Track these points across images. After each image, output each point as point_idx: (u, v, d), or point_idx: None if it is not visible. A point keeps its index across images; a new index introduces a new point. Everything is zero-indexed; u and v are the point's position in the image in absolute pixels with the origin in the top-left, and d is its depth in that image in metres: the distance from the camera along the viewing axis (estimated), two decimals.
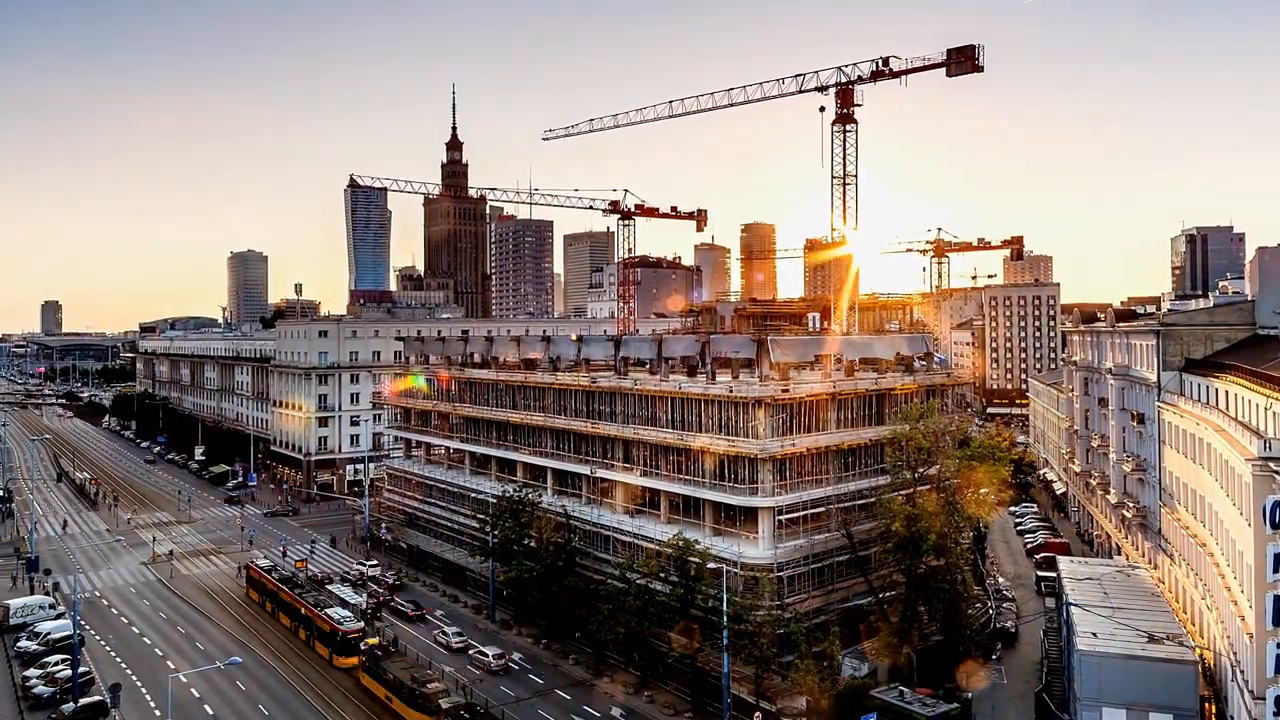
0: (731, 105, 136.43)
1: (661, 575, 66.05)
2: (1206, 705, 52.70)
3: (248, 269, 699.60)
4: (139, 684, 68.70)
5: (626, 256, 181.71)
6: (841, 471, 72.45)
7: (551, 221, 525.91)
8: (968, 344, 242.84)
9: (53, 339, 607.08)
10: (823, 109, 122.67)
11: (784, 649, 61.65)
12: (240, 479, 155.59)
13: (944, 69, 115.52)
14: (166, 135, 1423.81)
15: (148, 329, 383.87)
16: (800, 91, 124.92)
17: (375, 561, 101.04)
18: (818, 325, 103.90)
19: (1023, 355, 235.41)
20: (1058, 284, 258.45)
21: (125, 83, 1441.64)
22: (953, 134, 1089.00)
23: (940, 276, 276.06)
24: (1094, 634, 55.09)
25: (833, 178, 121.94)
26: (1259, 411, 49.98)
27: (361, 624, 74.04)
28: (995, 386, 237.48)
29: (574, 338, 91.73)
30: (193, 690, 66.90)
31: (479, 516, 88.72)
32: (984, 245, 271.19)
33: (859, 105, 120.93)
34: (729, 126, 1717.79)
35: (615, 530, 77.83)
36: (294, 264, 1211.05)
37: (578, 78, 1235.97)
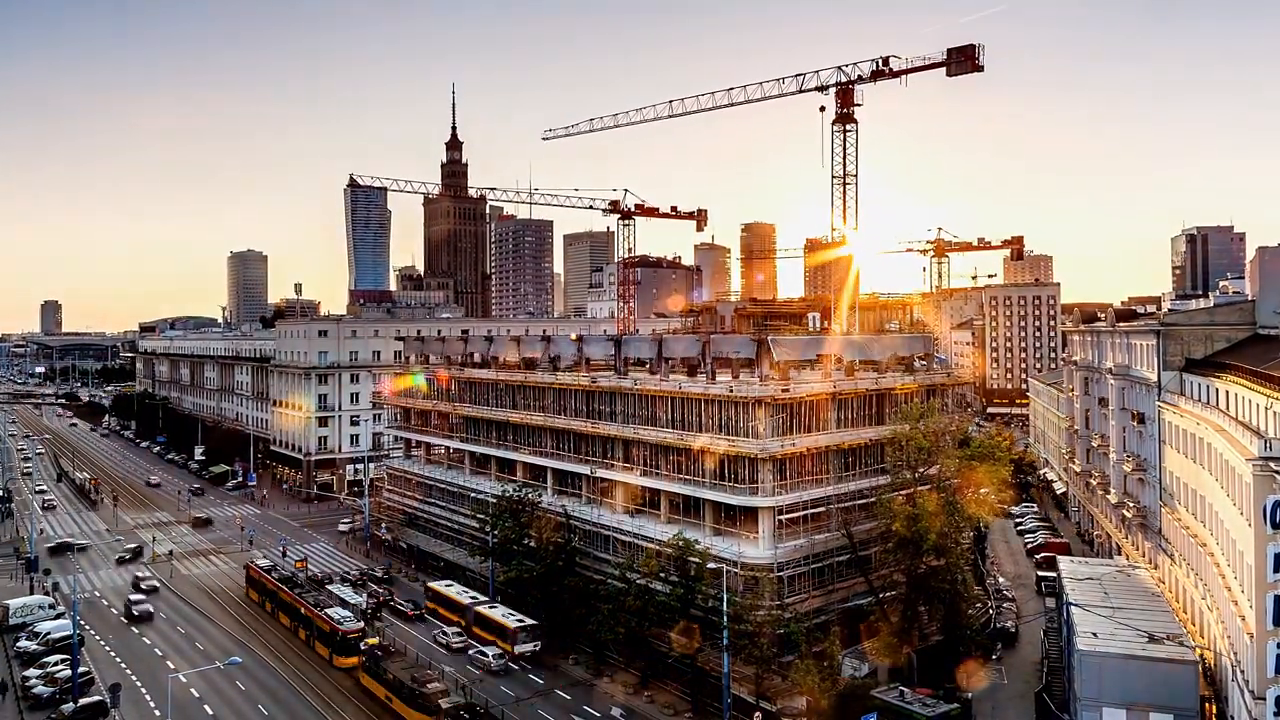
0: (731, 105, 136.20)
1: (661, 575, 66.02)
2: (1207, 705, 52.67)
3: (247, 269, 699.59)
4: (139, 684, 68.66)
5: (626, 256, 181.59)
6: (841, 471, 72.43)
7: (551, 221, 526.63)
8: (968, 344, 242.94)
9: (52, 339, 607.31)
10: (823, 109, 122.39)
11: (784, 649, 61.61)
12: (240, 479, 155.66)
13: (944, 69, 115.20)
14: (166, 135, 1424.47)
15: (147, 329, 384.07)
16: (800, 91, 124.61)
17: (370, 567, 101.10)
18: (818, 325, 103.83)
19: (1023, 355, 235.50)
20: (1058, 284, 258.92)
21: (125, 82, 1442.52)
22: (953, 134, 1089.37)
23: (940, 276, 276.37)
24: (1094, 634, 55.07)
25: (833, 177, 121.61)
26: (1259, 411, 49.95)
27: (361, 624, 74.38)
28: (995, 386, 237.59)
29: (574, 337, 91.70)
30: (192, 690, 66.88)
31: (479, 516, 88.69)
32: (984, 245, 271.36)
33: (859, 105, 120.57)
34: (729, 126, 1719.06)
35: (615, 530, 77.80)
36: (294, 264, 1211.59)
37: (578, 78, 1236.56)
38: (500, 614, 76.09)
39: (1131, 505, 79.07)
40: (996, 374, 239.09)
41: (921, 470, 67.73)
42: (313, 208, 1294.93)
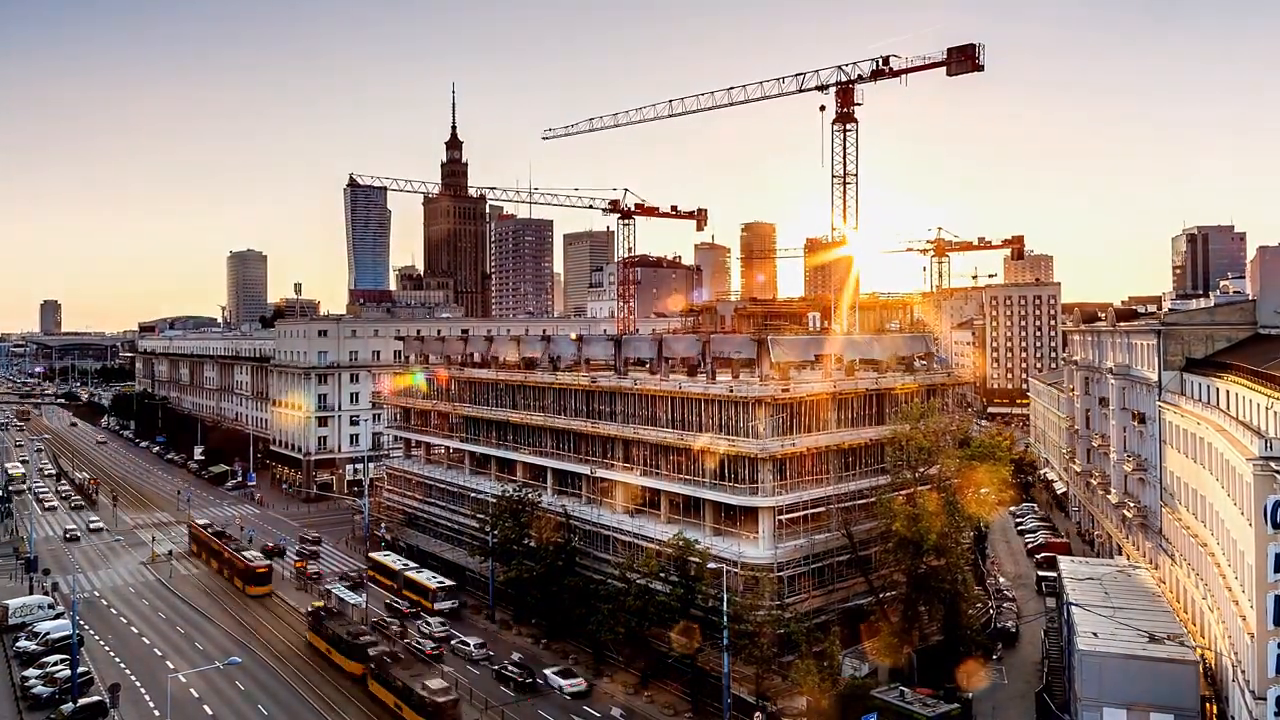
0: (732, 105, 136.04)
1: (661, 575, 65.97)
2: (1207, 705, 52.62)
3: (247, 268, 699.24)
4: (138, 684, 68.62)
5: (626, 256, 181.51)
6: (842, 471, 72.36)
7: (551, 221, 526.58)
8: (968, 343, 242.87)
9: (52, 338, 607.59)
10: (823, 108, 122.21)
11: (784, 649, 61.55)
12: (240, 479, 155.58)
13: (944, 68, 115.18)
14: (166, 135, 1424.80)
15: (147, 328, 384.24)
16: (800, 91, 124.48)
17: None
18: (818, 325, 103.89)
19: (1023, 355, 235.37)
20: (1058, 283, 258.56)
21: (125, 82, 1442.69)
22: (953, 133, 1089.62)
23: (941, 276, 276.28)
24: (1095, 634, 55.03)
25: (833, 177, 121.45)
26: (1260, 411, 49.90)
27: (269, 562, 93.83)
28: (996, 386, 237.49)
29: (574, 337, 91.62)
30: (192, 690, 66.84)
31: (479, 516, 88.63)
32: (984, 245, 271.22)
33: (859, 104, 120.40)
34: (729, 126, 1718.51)
35: (615, 530, 77.73)
36: (294, 263, 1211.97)
37: (578, 78, 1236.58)
38: (425, 577, 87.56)
39: (1132, 505, 79.02)
40: (997, 374, 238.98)
41: (922, 470, 67.67)
42: (313, 207, 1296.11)
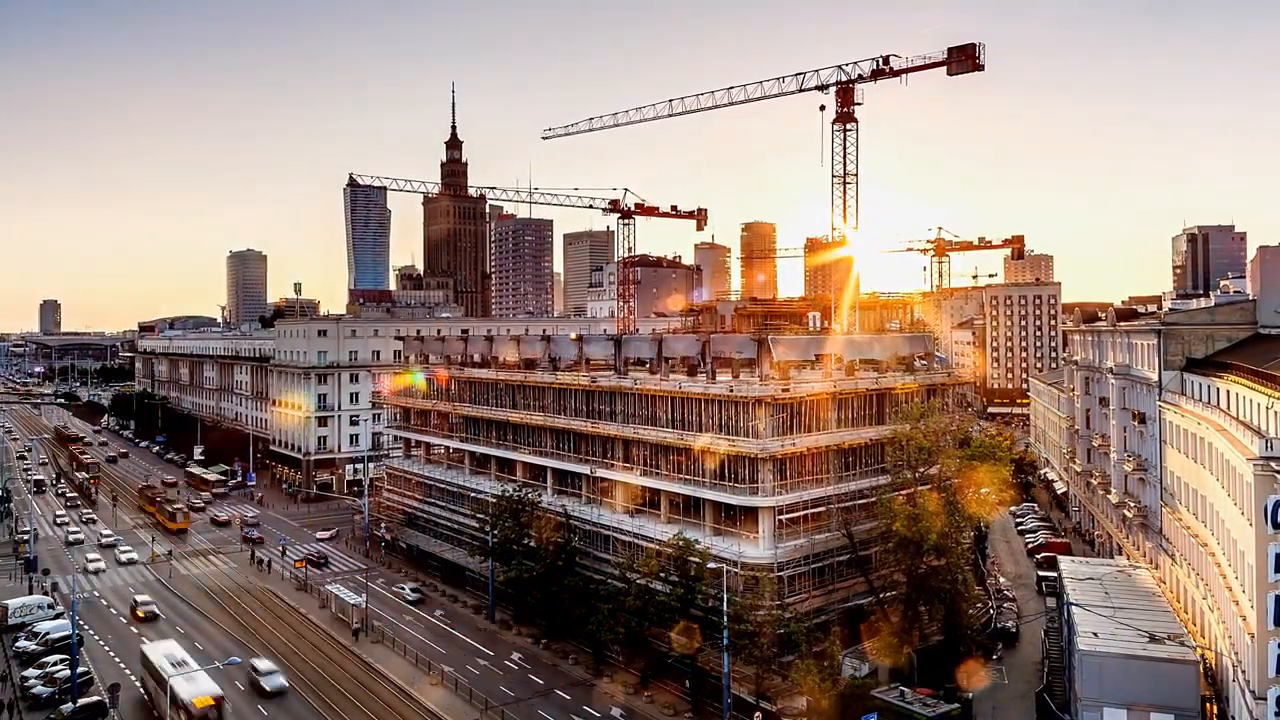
0: (732, 104, 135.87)
1: (661, 575, 65.92)
2: (1208, 705, 52.60)
3: (247, 268, 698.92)
4: (138, 684, 68.49)
5: (626, 256, 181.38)
6: (842, 471, 72.31)
7: (551, 220, 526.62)
8: (968, 343, 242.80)
9: (51, 338, 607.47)
10: (823, 108, 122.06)
11: (784, 649, 61.51)
12: (239, 479, 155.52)
13: (944, 67, 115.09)
14: (166, 135, 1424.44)
15: (147, 328, 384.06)
16: (800, 90, 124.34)
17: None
18: (818, 325, 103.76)
19: (1023, 355, 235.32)
20: (1058, 283, 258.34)
21: (125, 82, 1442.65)
22: (953, 133, 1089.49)
23: (941, 276, 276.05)
24: (1095, 634, 55.00)
25: (833, 177, 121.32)
26: (1260, 411, 49.88)
27: (184, 507, 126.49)
28: (996, 386, 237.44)
29: (574, 337, 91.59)
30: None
31: (479, 516, 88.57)
32: (985, 244, 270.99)
33: (859, 104, 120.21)
34: (729, 126, 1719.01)
35: (615, 530, 77.68)
36: (293, 263, 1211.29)
37: (578, 78, 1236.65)
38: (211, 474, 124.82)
39: (1132, 505, 79.00)
40: (997, 373, 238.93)
41: (922, 470, 67.62)
42: (312, 207, 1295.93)
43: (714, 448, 68.85)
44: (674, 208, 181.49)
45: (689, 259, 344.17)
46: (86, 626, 79.53)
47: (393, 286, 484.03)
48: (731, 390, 68.74)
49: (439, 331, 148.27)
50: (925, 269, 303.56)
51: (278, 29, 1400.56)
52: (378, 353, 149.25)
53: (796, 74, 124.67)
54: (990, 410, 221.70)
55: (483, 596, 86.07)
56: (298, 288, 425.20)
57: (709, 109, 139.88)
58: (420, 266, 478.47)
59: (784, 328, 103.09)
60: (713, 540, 68.31)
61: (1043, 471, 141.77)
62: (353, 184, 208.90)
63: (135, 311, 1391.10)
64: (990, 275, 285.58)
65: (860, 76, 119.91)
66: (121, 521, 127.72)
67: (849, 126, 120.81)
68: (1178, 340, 70.82)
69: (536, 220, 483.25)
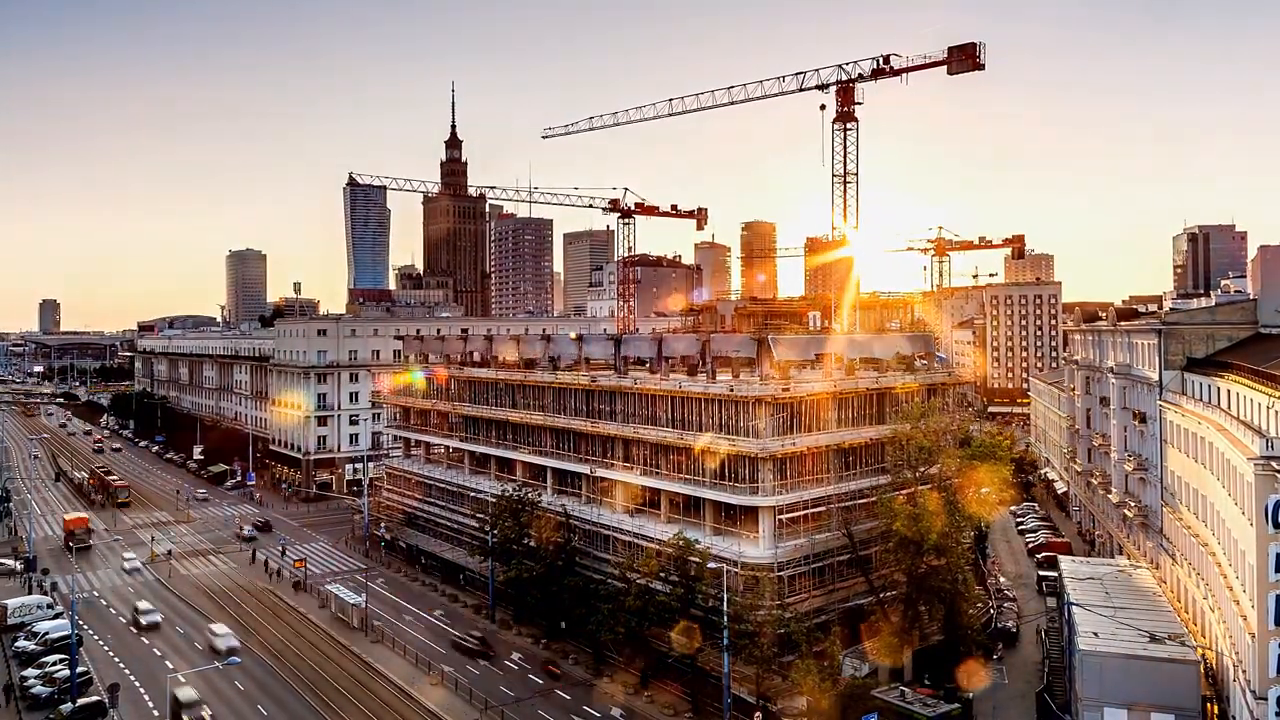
0: (732, 104, 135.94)
1: (661, 575, 65.84)
2: (1208, 705, 52.54)
3: (246, 267, 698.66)
4: (137, 684, 68.51)
5: (626, 255, 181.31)
6: (842, 471, 72.20)
7: (551, 220, 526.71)
8: (969, 343, 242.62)
9: (51, 338, 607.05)
10: (823, 107, 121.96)
11: (784, 649, 61.40)
12: (239, 478, 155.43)
13: (945, 67, 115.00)
14: (166, 135, 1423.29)
15: (146, 328, 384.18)
16: (801, 90, 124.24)
17: None
18: (818, 324, 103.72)
19: (1024, 354, 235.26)
20: (1059, 283, 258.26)
21: (125, 82, 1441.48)
22: (953, 133, 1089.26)
23: (941, 275, 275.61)
24: (1095, 634, 54.94)
25: (833, 176, 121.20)
26: (1261, 410, 49.79)
27: (125, 483, 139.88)
28: (996, 385, 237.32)
29: (574, 336, 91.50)
30: (191, 690, 66.61)
31: (478, 516, 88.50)
32: (985, 244, 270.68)
33: (859, 103, 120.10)
34: (729, 125, 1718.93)
35: (615, 530, 77.60)
36: (293, 263, 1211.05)
37: (578, 78, 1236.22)
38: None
39: (1133, 505, 78.92)
40: (997, 373, 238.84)
41: (922, 470, 67.52)
42: (312, 206, 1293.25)
43: (714, 447, 68.75)
44: (674, 207, 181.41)
45: (689, 259, 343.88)
46: (86, 626, 79.45)
47: (392, 286, 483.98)
48: (732, 390, 68.66)
49: (439, 331, 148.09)
50: (925, 268, 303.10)
51: (278, 29, 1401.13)
52: (377, 352, 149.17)
53: (796, 73, 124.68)
54: (990, 410, 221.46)
55: (482, 596, 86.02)
56: (297, 287, 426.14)
57: (709, 108, 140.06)
58: (420, 266, 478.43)
59: (784, 327, 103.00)
60: (713, 540, 68.22)
61: (1043, 471, 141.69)
62: (352, 183, 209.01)
63: (135, 311, 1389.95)
64: (990, 275, 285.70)
65: (860, 76, 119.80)
66: (121, 521, 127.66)
67: (849, 126, 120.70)
68: (1178, 340, 70.74)
69: (536, 220, 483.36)
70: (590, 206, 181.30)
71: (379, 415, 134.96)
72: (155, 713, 63.60)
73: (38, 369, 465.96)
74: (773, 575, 64.16)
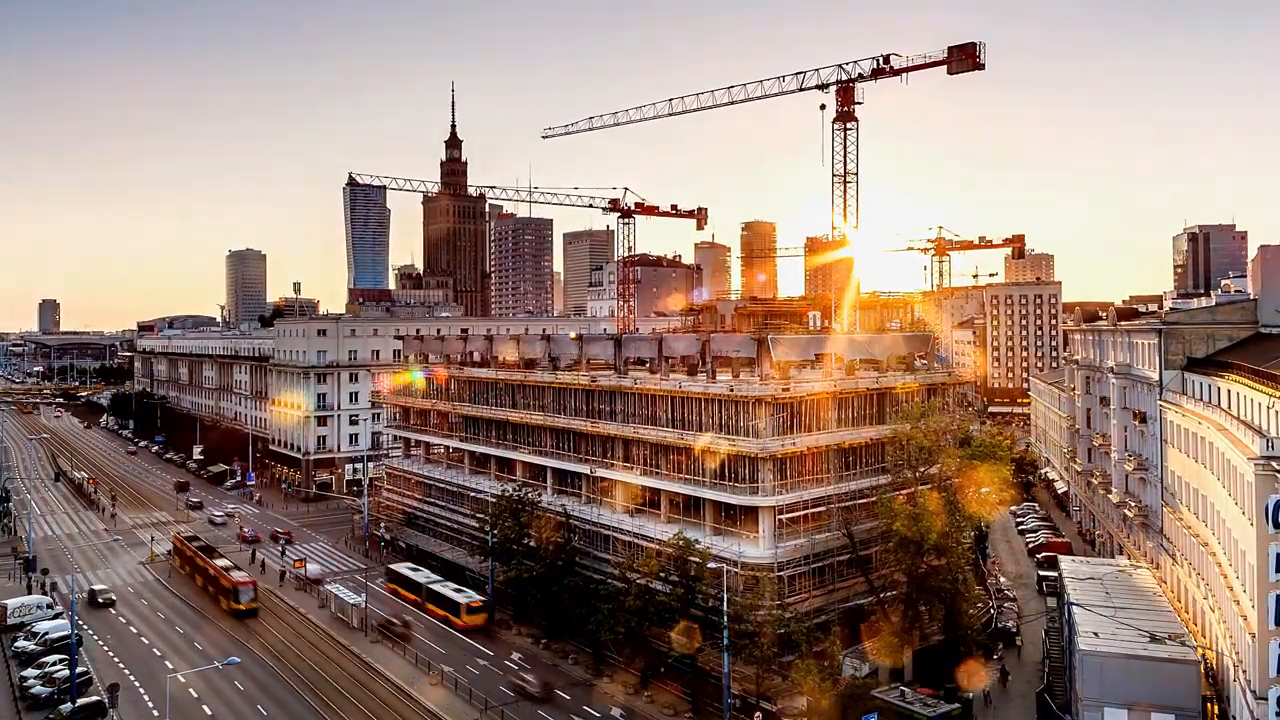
0: (732, 103, 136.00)
1: (661, 575, 65.80)
2: (1209, 705, 52.52)
3: (246, 267, 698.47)
4: (137, 684, 68.47)
5: (626, 255, 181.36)
6: (842, 470, 72.18)
7: (551, 220, 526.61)
8: (969, 343, 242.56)
9: (50, 337, 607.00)
10: (823, 107, 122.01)
11: (784, 649, 61.39)
12: (239, 478, 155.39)
13: (945, 66, 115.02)
14: (166, 135, 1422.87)
15: (146, 328, 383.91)
16: (801, 89, 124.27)
17: None
18: (819, 324, 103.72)
19: (1024, 354, 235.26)
20: (1059, 282, 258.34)
21: (125, 82, 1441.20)
22: (953, 133, 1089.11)
23: (941, 275, 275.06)
24: (1096, 634, 54.89)
25: (833, 176, 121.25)
26: (1261, 410, 49.76)
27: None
28: (996, 385, 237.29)
29: (574, 336, 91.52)
30: (191, 690, 66.68)
31: (478, 516, 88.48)
32: (985, 244, 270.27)
33: (859, 103, 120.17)
34: (729, 125, 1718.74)
35: (615, 530, 77.57)
36: (293, 263, 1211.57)
37: (578, 78, 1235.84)
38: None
39: (1133, 505, 78.89)
40: (997, 373, 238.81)
41: (922, 469, 67.49)
42: (312, 207, 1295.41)
43: (714, 447, 68.72)
44: (674, 207, 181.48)
45: (689, 258, 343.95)
46: (86, 626, 79.39)
47: (392, 286, 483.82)
48: (732, 390, 68.64)
49: (438, 331, 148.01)
50: (926, 268, 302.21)
51: (278, 29, 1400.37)
52: (377, 352, 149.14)
53: (796, 73, 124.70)
54: (991, 410, 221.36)
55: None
56: (297, 287, 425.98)
57: (709, 108, 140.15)
58: (420, 266, 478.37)
59: (784, 327, 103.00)
60: (713, 540, 68.20)
61: (1043, 471, 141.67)
62: (352, 183, 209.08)
63: (134, 311, 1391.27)
64: (991, 275, 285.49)
65: (860, 75, 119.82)
66: (121, 521, 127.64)
67: (849, 126, 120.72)
68: (1178, 340, 70.72)
69: (536, 220, 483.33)
70: (590, 206, 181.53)
71: (379, 415, 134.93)
72: (155, 713, 63.54)
73: (37, 369, 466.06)
74: (773, 575, 64.14)
